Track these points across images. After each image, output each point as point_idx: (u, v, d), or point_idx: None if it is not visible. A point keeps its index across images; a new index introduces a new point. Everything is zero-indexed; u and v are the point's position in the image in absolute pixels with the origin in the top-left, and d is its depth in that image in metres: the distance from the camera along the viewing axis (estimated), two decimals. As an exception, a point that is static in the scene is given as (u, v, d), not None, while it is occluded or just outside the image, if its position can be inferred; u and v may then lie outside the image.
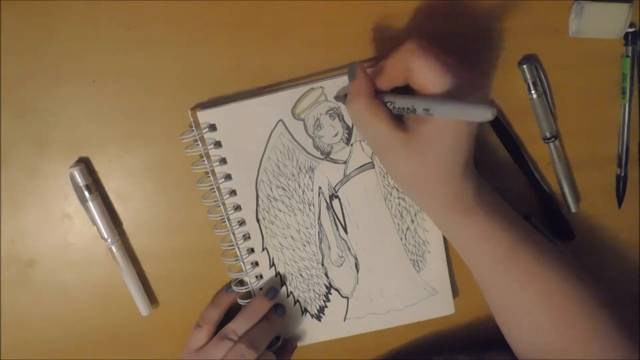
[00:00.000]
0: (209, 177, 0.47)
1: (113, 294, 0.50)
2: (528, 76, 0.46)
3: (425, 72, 0.36)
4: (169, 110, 0.47)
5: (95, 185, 0.48)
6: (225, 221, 0.48)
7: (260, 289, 0.50)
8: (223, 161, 0.47)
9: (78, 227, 0.49)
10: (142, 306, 0.50)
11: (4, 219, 0.49)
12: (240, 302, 0.50)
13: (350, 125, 0.47)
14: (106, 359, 0.52)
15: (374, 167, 0.48)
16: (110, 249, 0.48)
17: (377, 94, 0.39)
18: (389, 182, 0.48)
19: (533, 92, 0.46)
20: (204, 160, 0.47)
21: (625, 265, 0.52)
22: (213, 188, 0.47)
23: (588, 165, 0.50)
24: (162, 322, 0.51)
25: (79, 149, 0.48)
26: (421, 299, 0.51)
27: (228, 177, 0.48)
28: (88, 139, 0.48)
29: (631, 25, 0.46)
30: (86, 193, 0.47)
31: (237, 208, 0.48)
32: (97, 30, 0.46)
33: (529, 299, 0.42)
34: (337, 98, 0.46)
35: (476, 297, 0.50)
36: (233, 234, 0.49)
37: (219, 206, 0.48)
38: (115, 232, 0.49)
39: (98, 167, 0.48)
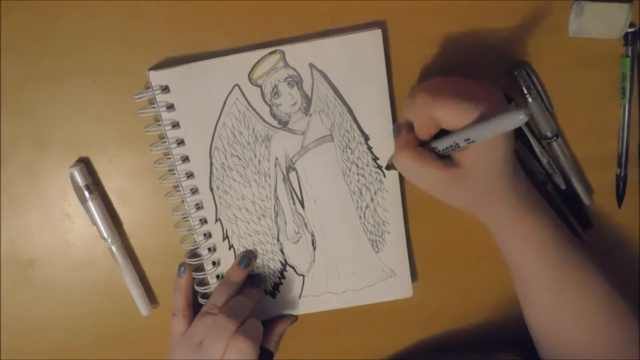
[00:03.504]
0: (165, 141, 0.46)
1: (113, 294, 0.51)
2: (520, 82, 0.46)
3: (448, 115, 0.39)
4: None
5: (95, 185, 0.48)
6: (179, 189, 0.47)
7: (214, 262, 0.49)
8: (176, 125, 0.46)
9: (78, 227, 0.49)
10: (142, 306, 0.50)
11: (4, 219, 0.49)
12: (198, 288, 0.49)
13: (310, 95, 0.46)
14: (106, 359, 0.52)
15: (332, 140, 0.47)
16: (110, 249, 0.48)
17: (422, 144, 0.42)
18: (348, 157, 0.47)
19: (528, 96, 0.47)
20: (159, 124, 0.46)
21: (625, 265, 0.52)
22: (167, 153, 0.46)
23: (588, 165, 0.50)
24: (162, 322, 0.51)
25: (79, 149, 0.48)
26: (379, 281, 0.50)
27: (181, 142, 0.46)
28: (88, 139, 0.48)
29: (631, 25, 0.46)
30: (86, 193, 0.47)
31: (190, 175, 0.47)
32: (97, 30, 0.46)
33: (572, 309, 0.43)
34: (387, 167, 0.48)
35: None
36: (185, 201, 0.47)
37: (174, 173, 0.47)
38: (115, 232, 0.49)
39: (98, 167, 0.48)
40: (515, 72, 0.46)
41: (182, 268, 0.49)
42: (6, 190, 0.48)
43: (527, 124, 0.47)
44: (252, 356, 0.43)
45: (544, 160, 0.48)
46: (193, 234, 0.49)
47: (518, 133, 0.47)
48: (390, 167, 0.48)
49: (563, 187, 0.49)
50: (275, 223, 0.49)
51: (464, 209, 0.44)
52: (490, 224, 0.45)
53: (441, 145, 0.41)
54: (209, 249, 0.49)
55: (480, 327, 0.53)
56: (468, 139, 0.38)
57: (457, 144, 0.39)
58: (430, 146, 0.42)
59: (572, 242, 0.44)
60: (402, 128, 0.43)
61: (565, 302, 0.43)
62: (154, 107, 0.46)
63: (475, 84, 0.41)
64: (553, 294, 0.43)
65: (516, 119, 0.35)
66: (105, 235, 0.48)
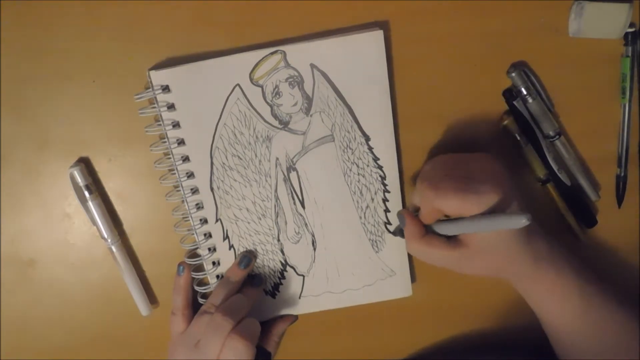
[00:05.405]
0: (165, 141, 0.46)
1: (113, 294, 0.50)
2: (519, 83, 0.46)
3: (452, 209, 0.41)
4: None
5: (95, 185, 0.48)
6: (179, 189, 0.47)
7: (214, 262, 0.49)
8: (177, 125, 0.46)
9: (78, 227, 0.49)
10: (142, 306, 0.50)
11: (4, 219, 0.49)
12: (197, 288, 0.49)
13: (311, 96, 0.46)
14: (106, 359, 0.52)
15: (333, 141, 0.47)
16: (110, 249, 0.48)
17: (428, 228, 0.44)
18: (348, 157, 0.48)
19: (528, 97, 0.47)
20: (159, 124, 0.46)
21: (625, 265, 0.52)
22: (167, 153, 0.46)
23: (588, 165, 0.50)
24: (162, 322, 0.51)
25: (79, 149, 0.48)
26: (378, 280, 0.50)
27: (182, 142, 0.46)
28: (88, 139, 0.48)
29: (631, 25, 0.46)
30: (86, 193, 0.47)
31: (190, 175, 0.47)
32: (97, 30, 0.46)
33: (602, 344, 0.45)
34: (394, 233, 0.49)
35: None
36: (185, 201, 0.47)
37: (174, 173, 0.47)
38: (115, 232, 0.49)
39: (98, 167, 0.48)
40: (513, 74, 0.46)
41: (181, 267, 0.49)
42: (6, 190, 0.48)
43: (532, 121, 0.47)
44: (247, 356, 0.43)
45: (550, 157, 0.48)
46: (193, 234, 0.49)
47: (523, 130, 0.47)
48: (396, 234, 0.49)
49: (568, 183, 0.49)
50: (275, 223, 0.49)
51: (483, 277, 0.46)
52: (511, 283, 0.46)
53: (448, 231, 0.43)
54: (209, 249, 0.49)
55: (480, 327, 0.53)
56: (472, 230, 0.41)
57: (462, 232, 0.42)
58: (436, 231, 0.44)
59: (596, 283, 0.45)
60: (406, 218, 0.45)
61: (596, 341, 0.44)
62: (154, 107, 0.46)
63: (475, 162, 0.42)
64: (582, 336, 0.45)
65: (518, 222, 0.37)
66: (105, 235, 0.48)
